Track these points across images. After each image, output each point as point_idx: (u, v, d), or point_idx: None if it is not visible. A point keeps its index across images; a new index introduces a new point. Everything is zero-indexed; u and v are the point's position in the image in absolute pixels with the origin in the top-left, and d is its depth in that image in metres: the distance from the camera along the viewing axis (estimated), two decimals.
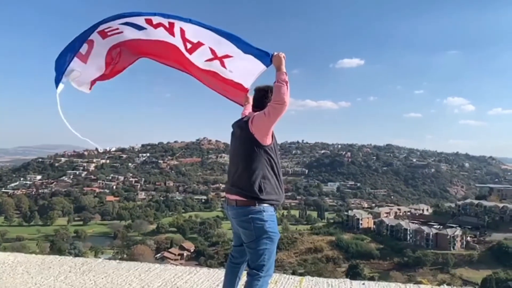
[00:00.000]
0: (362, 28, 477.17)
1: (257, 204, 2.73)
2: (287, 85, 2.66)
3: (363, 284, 3.98)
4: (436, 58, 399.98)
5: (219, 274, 4.26)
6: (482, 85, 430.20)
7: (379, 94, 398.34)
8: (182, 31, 3.22)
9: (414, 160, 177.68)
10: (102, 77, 3.48)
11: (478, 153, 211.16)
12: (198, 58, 3.30)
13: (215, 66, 3.31)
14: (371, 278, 60.86)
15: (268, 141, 2.78)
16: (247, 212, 2.74)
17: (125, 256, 66.17)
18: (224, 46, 3.22)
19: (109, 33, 3.30)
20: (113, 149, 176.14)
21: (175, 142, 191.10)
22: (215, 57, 3.28)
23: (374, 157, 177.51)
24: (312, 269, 59.83)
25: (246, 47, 3.17)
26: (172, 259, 67.05)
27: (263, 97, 2.94)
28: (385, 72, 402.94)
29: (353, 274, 59.37)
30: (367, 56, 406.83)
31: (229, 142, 3.09)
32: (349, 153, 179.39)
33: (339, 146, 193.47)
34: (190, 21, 3.19)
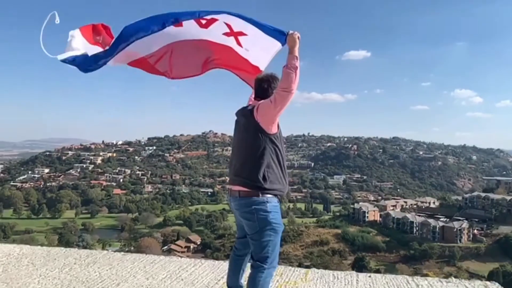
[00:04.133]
0: (368, 20, 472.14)
1: (260, 195, 2.68)
2: (296, 71, 2.61)
3: (369, 276, 3.94)
4: (443, 50, 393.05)
5: (224, 266, 4.25)
6: (490, 77, 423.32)
7: (385, 86, 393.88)
8: (196, 20, 3.19)
9: (421, 152, 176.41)
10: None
11: (485, 145, 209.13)
12: (215, 31, 3.24)
13: (231, 42, 3.27)
14: (377, 271, 60.92)
15: (274, 130, 2.74)
16: (250, 203, 2.70)
17: (132, 248, 66.89)
18: (238, 23, 3.19)
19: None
20: (120, 142, 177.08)
21: (181, 135, 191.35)
22: (231, 32, 3.24)
23: (381, 150, 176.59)
24: (318, 262, 59.94)
25: (259, 25, 3.14)
26: (178, 252, 67.55)
27: (268, 87, 2.89)
28: (392, 64, 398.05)
29: (359, 266, 59.41)
30: (373, 48, 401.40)
31: None
32: (355, 146, 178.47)
33: (345, 138, 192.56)
34: (199, 14, 3.15)
